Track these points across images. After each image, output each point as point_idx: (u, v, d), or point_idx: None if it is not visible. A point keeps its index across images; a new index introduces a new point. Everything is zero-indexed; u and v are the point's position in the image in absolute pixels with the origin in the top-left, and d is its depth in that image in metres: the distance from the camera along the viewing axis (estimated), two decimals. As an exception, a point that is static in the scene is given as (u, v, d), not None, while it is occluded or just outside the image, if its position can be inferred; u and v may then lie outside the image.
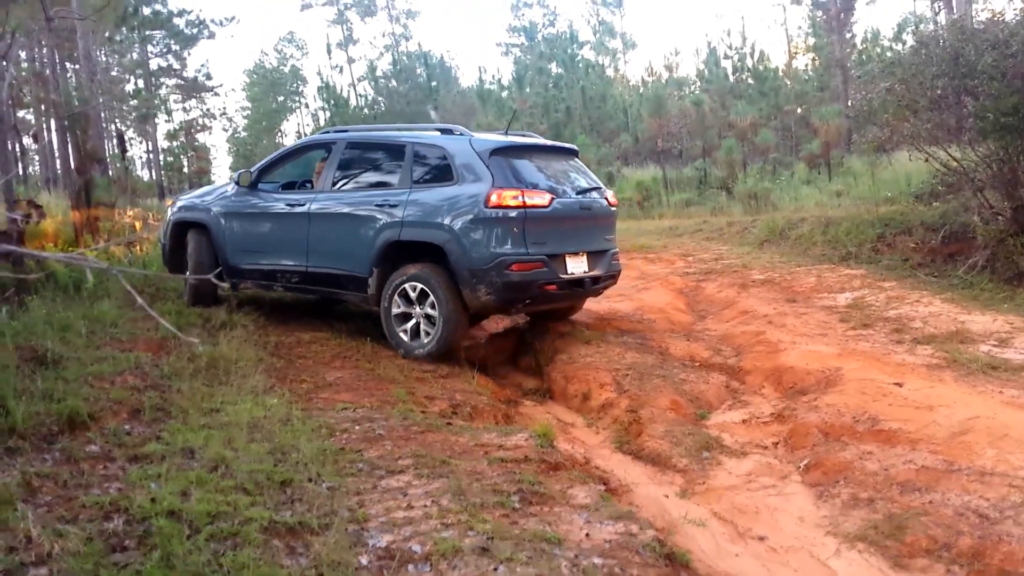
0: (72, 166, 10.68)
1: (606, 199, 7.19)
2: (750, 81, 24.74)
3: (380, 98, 35.94)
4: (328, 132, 8.11)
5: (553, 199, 6.46)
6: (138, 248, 9.96)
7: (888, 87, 9.54)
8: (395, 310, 6.64)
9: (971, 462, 4.23)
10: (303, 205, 7.30)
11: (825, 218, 11.30)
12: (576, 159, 7.41)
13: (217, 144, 59.66)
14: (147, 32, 33.92)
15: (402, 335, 6.64)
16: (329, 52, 47.92)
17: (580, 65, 30.71)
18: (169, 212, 8.61)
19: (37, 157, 30.94)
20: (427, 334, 6.53)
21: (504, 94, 28.12)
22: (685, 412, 5.58)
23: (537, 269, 6.34)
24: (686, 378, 6.21)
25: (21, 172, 22.69)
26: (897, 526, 3.65)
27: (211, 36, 37.08)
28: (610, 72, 41.05)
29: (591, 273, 6.85)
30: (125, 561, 2.78)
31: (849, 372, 5.76)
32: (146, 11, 31.27)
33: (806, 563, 3.58)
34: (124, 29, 26.82)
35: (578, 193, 6.91)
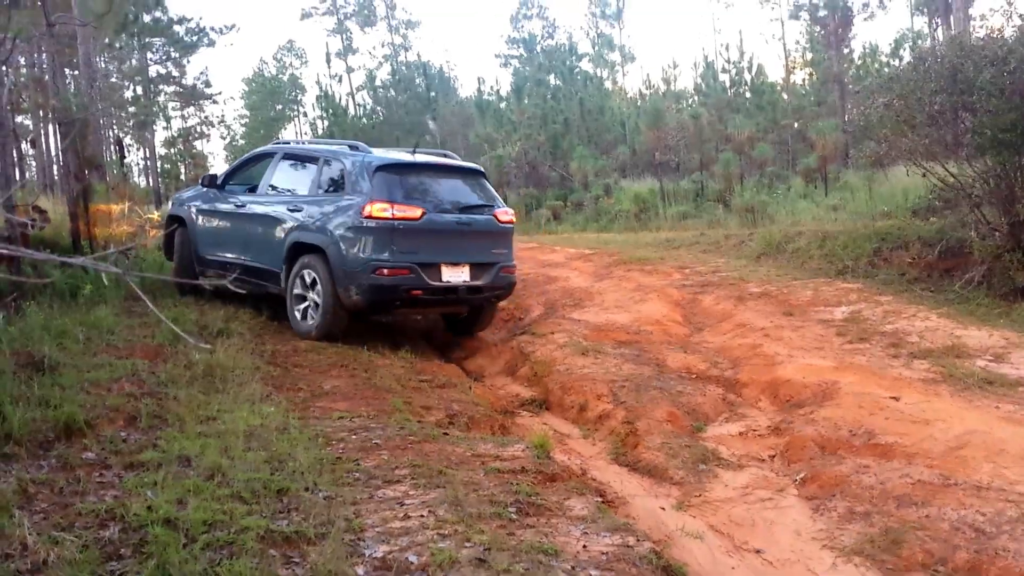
0: (70, 172, 10.65)
1: (495, 216, 7.64)
2: (748, 95, 24.81)
3: (379, 108, 36.04)
4: (278, 144, 9.29)
5: (425, 213, 6.98)
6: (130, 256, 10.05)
7: (886, 102, 9.54)
8: (295, 291, 7.41)
9: (967, 476, 4.23)
10: (244, 206, 8.25)
11: (822, 232, 11.31)
12: (481, 179, 7.95)
13: (215, 152, 59.87)
14: (147, 39, 34.01)
15: (297, 315, 7.42)
16: (328, 61, 48.10)
17: (579, 77, 30.82)
18: (169, 206, 9.98)
19: (35, 163, 30.89)
20: (310, 318, 7.28)
21: (503, 105, 28.15)
22: (682, 424, 5.58)
23: (404, 275, 6.93)
24: (683, 390, 6.21)
25: (19, 177, 22.65)
26: (893, 540, 3.66)
27: (211, 44, 37.31)
28: (608, 84, 41.19)
29: (471, 283, 7.34)
30: (121, 569, 2.77)
31: (846, 386, 5.76)
32: (146, 18, 31.41)
33: (802, 577, 3.58)
34: (124, 36, 26.88)
35: (461, 209, 7.40)
